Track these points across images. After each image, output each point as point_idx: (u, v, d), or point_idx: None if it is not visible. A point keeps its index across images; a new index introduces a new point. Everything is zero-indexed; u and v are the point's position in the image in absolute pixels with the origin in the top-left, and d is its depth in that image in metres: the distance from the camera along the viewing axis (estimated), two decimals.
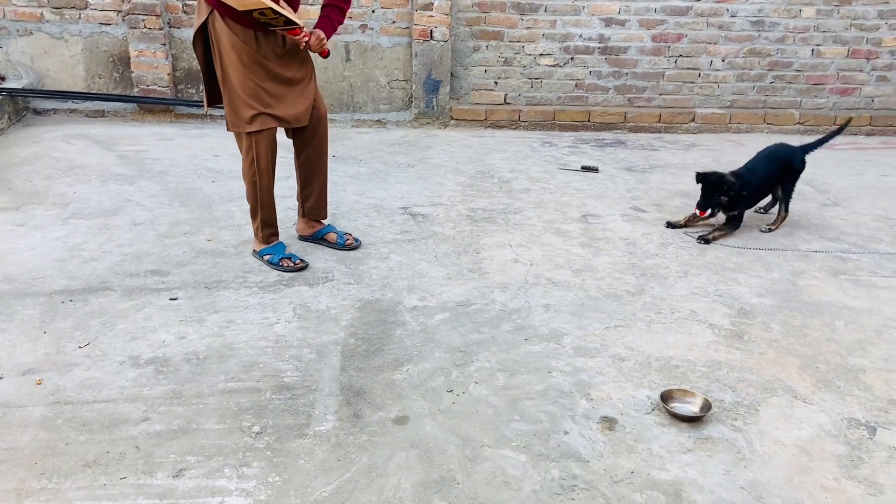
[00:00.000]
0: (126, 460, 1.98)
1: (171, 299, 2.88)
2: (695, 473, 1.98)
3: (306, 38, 2.99)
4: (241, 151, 3.13)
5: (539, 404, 2.26)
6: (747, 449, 2.08)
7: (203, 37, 3.00)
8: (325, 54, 3.14)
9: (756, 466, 2.01)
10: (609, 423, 2.18)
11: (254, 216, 3.23)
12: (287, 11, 2.83)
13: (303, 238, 3.49)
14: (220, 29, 2.92)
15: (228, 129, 3.09)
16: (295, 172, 3.40)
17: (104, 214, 3.73)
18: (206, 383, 2.33)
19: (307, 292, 2.97)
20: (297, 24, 2.90)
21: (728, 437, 2.13)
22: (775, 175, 3.86)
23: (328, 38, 3.08)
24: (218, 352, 2.51)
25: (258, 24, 2.89)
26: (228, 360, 2.46)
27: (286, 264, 3.15)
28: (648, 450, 2.07)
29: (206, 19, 2.93)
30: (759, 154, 3.95)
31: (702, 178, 3.65)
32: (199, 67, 3.18)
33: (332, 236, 3.43)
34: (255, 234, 3.27)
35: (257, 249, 3.25)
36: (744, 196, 3.65)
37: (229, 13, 2.87)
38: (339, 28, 5.63)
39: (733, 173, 3.69)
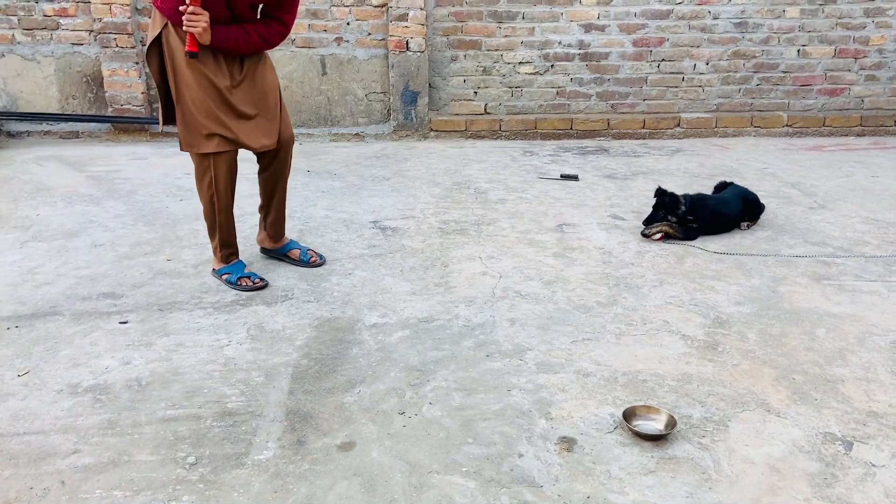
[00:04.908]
0: (49, 497, 1.86)
1: (120, 323, 2.76)
2: (655, 497, 1.84)
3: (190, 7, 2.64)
4: (195, 170, 3.02)
5: (495, 425, 2.13)
6: (713, 469, 1.95)
7: (158, 51, 2.88)
8: (190, 46, 2.70)
9: (722, 488, 1.87)
10: (567, 443, 2.05)
11: (212, 235, 3.12)
12: None
13: (265, 251, 3.38)
14: (176, 44, 2.79)
15: (182, 149, 2.96)
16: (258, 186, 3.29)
17: (65, 236, 3.63)
18: (144, 411, 2.21)
19: (264, 312, 2.86)
20: None
21: (693, 455, 2.00)
22: (741, 211, 3.81)
23: (215, 42, 2.73)
24: (162, 377, 2.39)
25: None
26: (171, 385, 2.34)
27: (244, 283, 3.04)
28: (607, 472, 1.93)
29: (161, 33, 2.82)
30: (729, 190, 3.94)
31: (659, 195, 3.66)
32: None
33: (295, 253, 3.31)
34: (214, 253, 3.15)
35: (216, 268, 3.14)
36: (700, 215, 3.64)
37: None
38: (315, 40, 5.57)
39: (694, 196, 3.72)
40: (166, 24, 2.79)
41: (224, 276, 3.09)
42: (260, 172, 3.22)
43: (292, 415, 2.19)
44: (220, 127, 2.86)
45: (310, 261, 3.28)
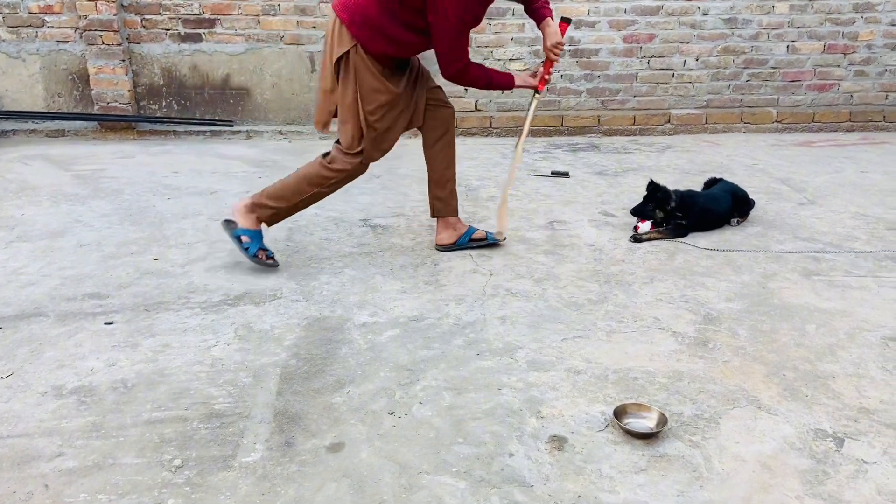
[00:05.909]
0: (32, 501, 1.83)
1: (106, 323, 2.73)
2: (646, 495, 1.83)
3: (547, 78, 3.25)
4: (329, 159, 3.07)
5: (485, 425, 2.12)
6: (704, 466, 1.94)
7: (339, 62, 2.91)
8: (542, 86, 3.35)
9: (713, 486, 1.86)
10: (558, 442, 2.04)
11: (281, 199, 3.07)
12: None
13: (444, 248, 3.41)
14: (361, 65, 2.87)
15: (365, 161, 3.10)
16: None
17: (50, 236, 3.59)
18: (130, 413, 2.18)
19: (252, 311, 2.83)
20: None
21: (685, 453, 1.99)
22: (731, 207, 3.80)
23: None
24: (148, 379, 2.36)
25: None
26: (158, 387, 2.31)
27: (262, 256, 3.09)
28: (598, 471, 1.92)
29: (349, 50, 2.86)
30: (719, 186, 3.92)
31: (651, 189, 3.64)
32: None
33: (480, 234, 3.41)
34: (255, 209, 3.06)
35: (242, 226, 3.07)
36: (690, 212, 3.63)
37: (375, 50, 2.86)
38: (303, 37, 5.54)
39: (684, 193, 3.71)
40: (355, 45, 2.84)
41: (244, 240, 3.05)
42: (432, 144, 3.34)
43: (280, 416, 2.17)
44: (397, 134, 3.10)
45: (495, 236, 3.42)
